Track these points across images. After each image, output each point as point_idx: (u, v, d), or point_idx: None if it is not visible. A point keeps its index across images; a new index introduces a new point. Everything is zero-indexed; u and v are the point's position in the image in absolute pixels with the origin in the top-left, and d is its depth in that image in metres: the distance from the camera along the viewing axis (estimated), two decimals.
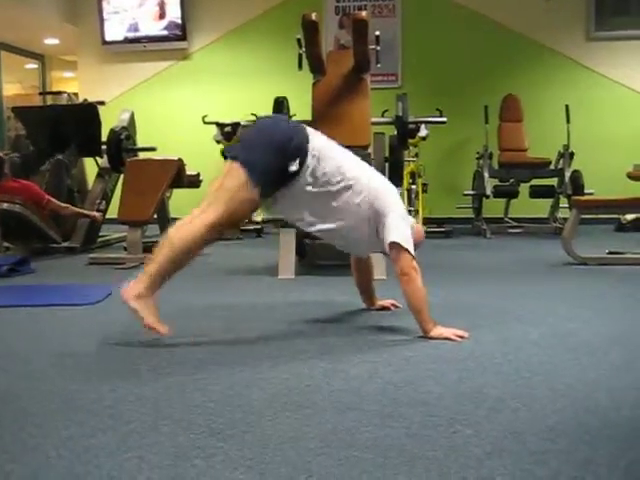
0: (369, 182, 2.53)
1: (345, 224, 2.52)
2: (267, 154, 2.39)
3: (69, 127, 5.62)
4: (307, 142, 2.44)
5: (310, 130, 2.53)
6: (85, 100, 6.32)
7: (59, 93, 6.70)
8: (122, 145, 5.55)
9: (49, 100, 7.87)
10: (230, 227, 2.48)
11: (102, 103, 5.91)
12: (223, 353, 2.29)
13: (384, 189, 2.57)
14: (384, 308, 2.96)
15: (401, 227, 2.48)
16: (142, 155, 5.82)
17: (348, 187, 2.48)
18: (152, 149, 5.87)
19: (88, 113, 5.67)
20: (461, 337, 2.42)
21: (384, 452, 1.45)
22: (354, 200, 2.48)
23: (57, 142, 5.62)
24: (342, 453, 1.45)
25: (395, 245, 2.45)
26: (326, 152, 2.49)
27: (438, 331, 2.44)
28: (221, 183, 2.40)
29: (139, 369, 2.10)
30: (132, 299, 2.31)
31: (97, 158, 5.88)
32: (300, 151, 2.41)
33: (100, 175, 5.74)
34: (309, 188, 2.45)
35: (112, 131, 5.53)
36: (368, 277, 2.98)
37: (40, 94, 8.61)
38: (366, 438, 1.53)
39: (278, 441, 1.51)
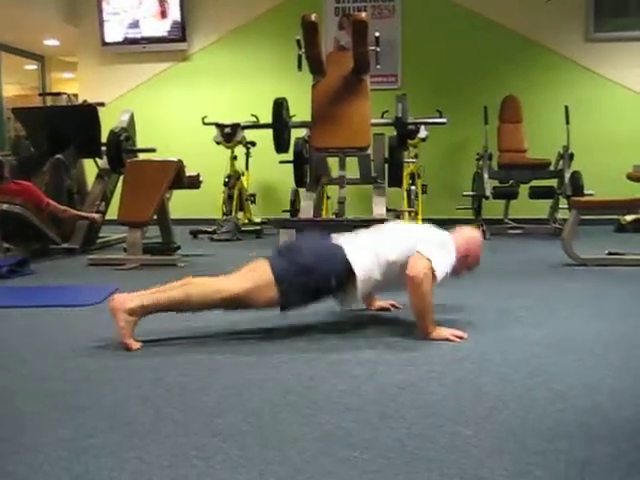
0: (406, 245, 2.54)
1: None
2: (300, 275, 2.42)
3: (69, 128, 5.61)
4: (345, 262, 2.46)
5: (346, 247, 2.52)
6: (85, 101, 6.32)
7: (58, 94, 6.70)
8: (122, 146, 5.55)
9: (49, 101, 7.88)
10: (240, 307, 2.48)
11: (102, 104, 5.92)
12: (223, 353, 2.29)
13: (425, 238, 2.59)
14: (383, 309, 2.96)
15: (435, 250, 2.48)
16: (142, 156, 5.82)
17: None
18: (152, 150, 5.87)
19: (88, 114, 5.67)
20: (460, 338, 2.42)
21: (384, 452, 1.45)
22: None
23: (57, 143, 5.61)
24: (342, 453, 1.45)
25: (419, 255, 2.44)
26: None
27: (437, 332, 2.44)
28: (255, 273, 2.46)
29: (139, 370, 2.10)
30: (122, 311, 2.33)
31: (97, 159, 5.88)
32: (337, 272, 2.47)
33: (100, 176, 5.74)
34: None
35: (112, 132, 5.53)
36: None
37: (40, 95, 8.61)
38: (366, 438, 1.53)
39: (278, 441, 1.52)
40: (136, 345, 2.34)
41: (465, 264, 2.70)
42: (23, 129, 6.05)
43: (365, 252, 2.52)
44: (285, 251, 2.57)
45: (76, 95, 7.44)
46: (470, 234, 2.77)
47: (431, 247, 2.48)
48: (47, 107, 7.26)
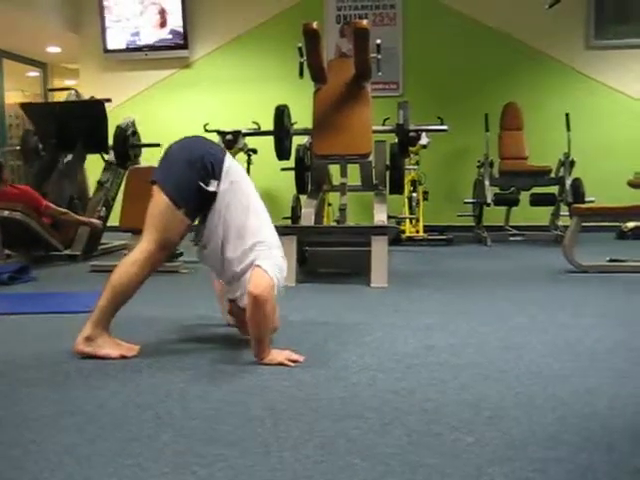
0: (264, 232, 2.44)
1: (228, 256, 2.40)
2: (185, 173, 2.36)
3: (76, 123, 5.67)
4: (222, 162, 2.40)
5: (228, 154, 2.49)
6: (92, 97, 6.35)
7: (66, 89, 6.74)
8: (129, 141, 5.62)
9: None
10: (164, 253, 2.42)
11: (109, 100, 5.95)
12: (223, 360, 2.29)
13: (273, 245, 2.44)
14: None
15: (271, 264, 2.30)
16: (144, 162, 5.85)
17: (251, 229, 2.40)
18: (156, 145, 5.93)
19: (95, 109, 5.71)
20: (294, 361, 2.24)
21: (385, 460, 1.45)
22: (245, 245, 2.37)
23: (64, 138, 5.69)
24: (343, 461, 1.45)
25: (260, 269, 2.25)
26: (240, 184, 2.45)
27: (271, 356, 2.25)
28: (148, 210, 2.39)
29: (140, 376, 2.10)
30: (82, 345, 2.30)
31: (103, 154, 5.93)
32: (215, 171, 2.37)
33: (100, 183, 5.77)
34: (224, 212, 2.39)
35: (119, 127, 5.61)
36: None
37: (49, 90, 8.69)
38: (367, 446, 1.53)
39: (279, 449, 1.51)
40: (130, 352, 2.35)
41: None
42: (31, 125, 6.09)
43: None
44: (161, 170, 2.45)
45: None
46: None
47: (271, 264, 2.30)
48: (55, 102, 7.32)
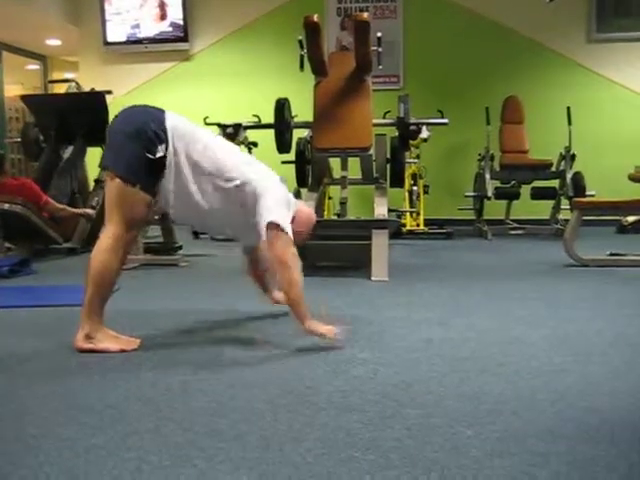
0: (242, 167, 2.44)
1: (219, 207, 2.42)
2: (129, 149, 2.32)
3: (77, 115, 5.67)
4: (164, 125, 2.35)
5: (167, 113, 2.42)
6: (92, 89, 6.34)
7: (67, 81, 6.73)
8: None
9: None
10: (133, 232, 2.40)
11: (109, 92, 5.93)
12: (224, 354, 2.29)
13: (259, 175, 2.47)
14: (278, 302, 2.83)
15: (276, 207, 2.35)
16: None
17: (218, 173, 2.39)
18: None
19: (96, 101, 5.70)
20: (336, 335, 2.31)
21: (385, 453, 1.45)
22: (227, 185, 2.40)
23: (65, 130, 5.69)
24: (343, 454, 1.45)
25: (272, 226, 2.29)
26: (192, 135, 2.42)
27: (314, 326, 2.32)
28: (106, 197, 2.37)
29: (140, 369, 2.10)
30: (82, 342, 2.30)
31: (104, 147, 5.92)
32: (160, 135, 2.32)
33: (98, 182, 5.76)
34: (185, 171, 2.37)
35: None
36: (260, 268, 2.83)
37: (49, 82, 8.67)
38: (367, 439, 1.53)
39: (279, 442, 1.52)
40: (131, 345, 2.35)
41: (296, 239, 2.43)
42: (32, 116, 6.08)
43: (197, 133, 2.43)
44: (108, 152, 2.42)
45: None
46: (308, 213, 2.65)
47: (274, 208, 2.34)
48: (56, 94, 7.30)
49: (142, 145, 2.30)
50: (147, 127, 2.32)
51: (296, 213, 2.51)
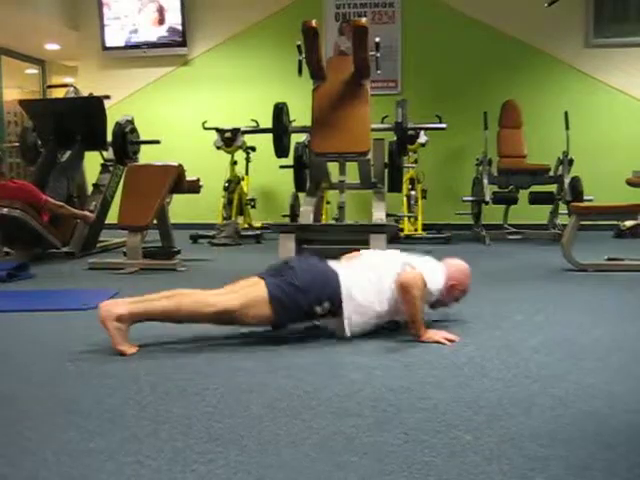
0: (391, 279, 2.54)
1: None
2: (297, 298, 2.42)
3: (75, 120, 5.66)
4: (339, 287, 2.47)
5: (340, 270, 2.54)
6: (91, 94, 6.35)
7: (65, 86, 6.72)
8: (127, 138, 5.61)
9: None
10: (231, 323, 2.47)
11: (108, 97, 5.94)
12: (222, 358, 2.29)
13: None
14: None
15: (426, 270, 2.53)
16: (143, 160, 5.85)
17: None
18: (156, 142, 5.94)
19: (94, 106, 5.70)
20: (451, 341, 2.45)
21: (383, 457, 1.45)
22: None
23: (63, 135, 5.68)
24: (340, 458, 1.45)
25: (408, 266, 2.52)
26: (355, 283, 2.51)
27: (428, 335, 2.47)
28: (248, 289, 2.45)
29: (138, 374, 2.10)
30: (111, 319, 2.32)
31: (102, 152, 5.92)
32: (331, 296, 2.46)
33: (97, 186, 5.76)
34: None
35: (117, 124, 5.61)
36: None
37: (48, 87, 8.67)
38: (364, 443, 1.53)
39: (277, 446, 1.52)
40: (131, 350, 2.35)
41: (452, 294, 2.70)
42: (30, 121, 6.06)
43: (363, 281, 2.52)
44: (280, 270, 2.54)
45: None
46: (458, 264, 2.78)
47: (421, 267, 2.53)
48: (54, 99, 7.30)
49: (309, 302, 2.45)
50: (327, 297, 2.47)
51: (456, 269, 2.72)
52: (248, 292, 2.43)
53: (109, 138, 5.70)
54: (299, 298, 2.41)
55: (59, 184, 5.48)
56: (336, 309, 2.47)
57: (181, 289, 2.48)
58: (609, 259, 4.47)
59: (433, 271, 2.57)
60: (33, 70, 9.60)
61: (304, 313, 2.47)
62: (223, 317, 2.40)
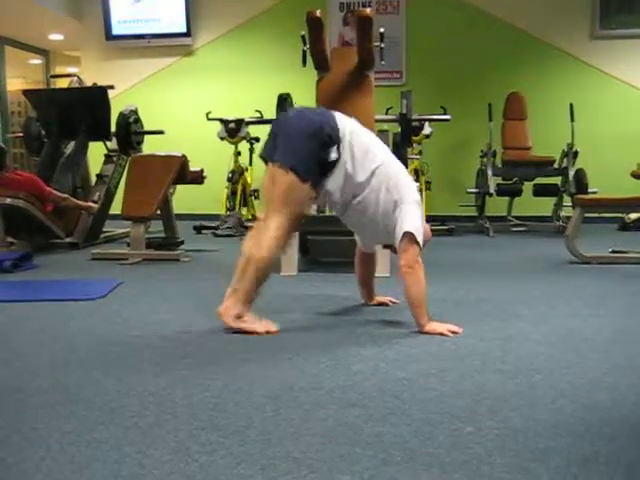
0: (391, 166, 2.60)
1: (367, 203, 2.56)
2: (306, 147, 2.45)
3: (79, 110, 5.65)
4: (337, 128, 2.49)
5: (338, 115, 2.57)
6: (94, 84, 6.33)
7: (69, 76, 6.71)
8: (131, 128, 5.61)
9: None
10: (296, 226, 2.57)
11: (112, 87, 5.93)
12: (225, 349, 2.30)
13: (404, 176, 2.65)
14: (382, 304, 3.00)
15: (416, 217, 2.53)
16: (147, 150, 5.84)
17: (375, 169, 2.53)
18: (160, 132, 5.95)
19: (98, 96, 5.69)
20: (454, 333, 2.46)
21: (386, 448, 1.45)
22: (377, 181, 2.54)
23: (67, 125, 5.68)
24: (344, 449, 1.45)
25: (408, 235, 2.48)
26: (358, 136, 2.55)
27: (432, 326, 2.47)
28: (275, 189, 2.48)
29: (141, 364, 2.11)
30: (233, 321, 2.46)
31: (106, 142, 5.92)
32: (334, 138, 2.47)
33: (100, 177, 5.76)
34: (349, 169, 2.50)
35: (121, 114, 5.60)
36: (371, 272, 3.02)
37: (51, 77, 8.66)
38: (368, 434, 1.53)
39: (280, 437, 1.52)
40: (274, 328, 2.47)
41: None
42: (34, 111, 6.06)
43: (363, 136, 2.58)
44: (281, 148, 2.51)
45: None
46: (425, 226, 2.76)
47: (415, 218, 2.52)
48: (58, 89, 7.29)
49: (318, 145, 2.45)
50: (325, 129, 2.46)
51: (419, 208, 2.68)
52: (282, 195, 2.45)
53: (113, 128, 5.70)
54: (309, 147, 2.44)
55: (64, 177, 5.48)
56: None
57: (245, 245, 2.56)
58: (613, 252, 4.45)
59: (419, 216, 2.56)
60: (37, 60, 9.58)
61: (321, 163, 2.47)
62: (290, 235, 2.52)
